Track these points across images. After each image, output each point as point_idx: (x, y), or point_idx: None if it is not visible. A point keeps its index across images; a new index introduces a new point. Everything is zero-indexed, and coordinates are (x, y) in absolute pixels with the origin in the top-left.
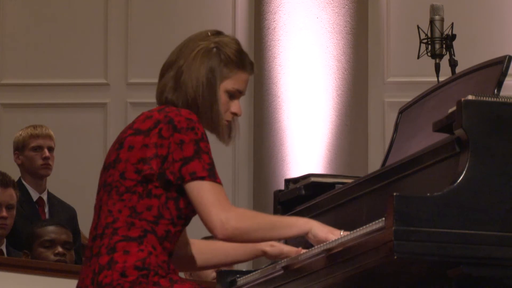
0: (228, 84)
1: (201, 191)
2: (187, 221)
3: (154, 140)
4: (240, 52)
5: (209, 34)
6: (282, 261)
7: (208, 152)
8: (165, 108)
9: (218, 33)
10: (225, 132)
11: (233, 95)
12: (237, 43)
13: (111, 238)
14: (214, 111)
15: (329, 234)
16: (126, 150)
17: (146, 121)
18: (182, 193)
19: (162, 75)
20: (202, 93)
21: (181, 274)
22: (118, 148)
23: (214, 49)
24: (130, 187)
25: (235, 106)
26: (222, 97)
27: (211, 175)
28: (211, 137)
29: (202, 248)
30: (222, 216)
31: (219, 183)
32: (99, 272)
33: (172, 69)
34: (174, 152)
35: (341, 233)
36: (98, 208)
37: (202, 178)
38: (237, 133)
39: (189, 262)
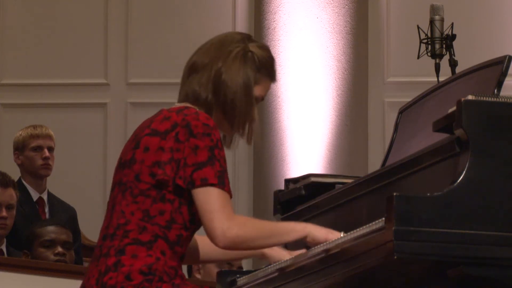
0: (257, 90)
1: (208, 197)
2: (198, 226)
3: (170, 144)
4: (272, 59)
5: (243, 37)
6: (283, 260)
7: (220, 160)
8: (184, 110)
9: (249, 37)
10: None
11: (256, 100)
12: (269, 50)
13: (121, 240)
14: (250, 115)
15: (328, 235)
16: (142, 151)
17: (164, 122)
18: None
19: (195, 71)
20: (242, 96)
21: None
22: (134, 147)
23: (249, 53)
24: (144, 190)
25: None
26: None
27: (221, 183)
28: None
29: (203, 242)
30: (224, 225)
31: (228, 191)
32: (105, 273)
33: (207, 69)
34: (187, 157)
35: (341, 235)
36: (111, 206)
37: (212, 185)
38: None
39: (191, 255)
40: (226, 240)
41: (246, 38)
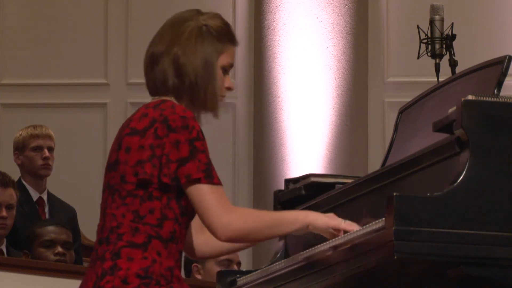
0: (223, 60)
1: (200, 194)
2: (191, 217)
3: (150, 141)
4: (227, 25)
5: (192, 14)
6: (283, 260)
7: (204, 151)
8: (160, 104)
9: (198, 11)
10: (219, 108)
11: (226, 69)
12: (221, 16)
13: (115, 244)
14: (212, 90)
15: (329, 222)
16: (124, 152)
17: (142, 119)
18: (183, 191)
19: (155, 63)
20: (203, 73)
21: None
22: (117, 149)
23: (204, 27)
24: (131, 190)
25: (228, 81)
26: (219, 73)
27: (208, 176)
28: (212, 138)
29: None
30: (224, 219)
31: (217, 183)
32: (102, 276)
33: (165, 56)
34: (169, 153)
35: (343, 223)
36: (103, 210)
37: (198, 181)
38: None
39: (211, 247)
40: (228, 233)
41: (195, 14)
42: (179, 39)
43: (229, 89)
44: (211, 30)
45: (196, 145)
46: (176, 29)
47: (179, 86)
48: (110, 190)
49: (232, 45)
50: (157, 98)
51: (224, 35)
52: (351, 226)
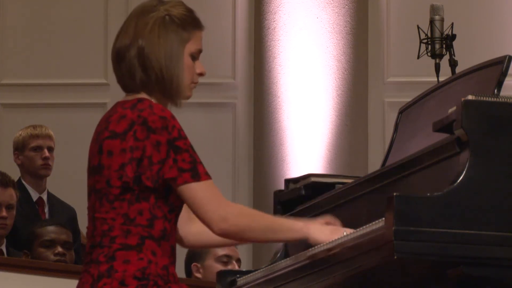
0: (190, 47)
1: (191, 194)
2: (179, 212)
3: (130, 143)
4: (190, 11)
5: (153, 4)
6: (283, 260)
7: (188, 150)
8: (137, 104)
9: (160, 1)
10: (186, 98)
11: (195, 56)
12: (183, 3)
13: (109, 247)
14: (178, 81)
15: (331, 237)
16: (106, 156)
17: (121, 121)
18: (170, 188)
19: (121, 58)
20: (168, 65)
21: (179, 273)
22: (99, 152)
23: (167, 17)
24: (118, 194)
25: (199, 66)
26: (187, 61)
27: (194, 175)
28: (212, 138)
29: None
30: (221, 212)
31: (206, 179)
32: (98, 279)
33: (130, 50)
34: (151, 155)
35: (344, 233)
36: (92, 214)
37: (184, 181)
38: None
39: (204, 237)
40: (223, 226)
41: (157, 4)
42: (143, 32)
43: (201, 74)
44: (174, 19)
45: (178, 144)
46: (140, 22)
47: (146, 81)
48: (97, 194)
49: (198, 31)
50: (130, 96)
51: (189, 22)
52: None
